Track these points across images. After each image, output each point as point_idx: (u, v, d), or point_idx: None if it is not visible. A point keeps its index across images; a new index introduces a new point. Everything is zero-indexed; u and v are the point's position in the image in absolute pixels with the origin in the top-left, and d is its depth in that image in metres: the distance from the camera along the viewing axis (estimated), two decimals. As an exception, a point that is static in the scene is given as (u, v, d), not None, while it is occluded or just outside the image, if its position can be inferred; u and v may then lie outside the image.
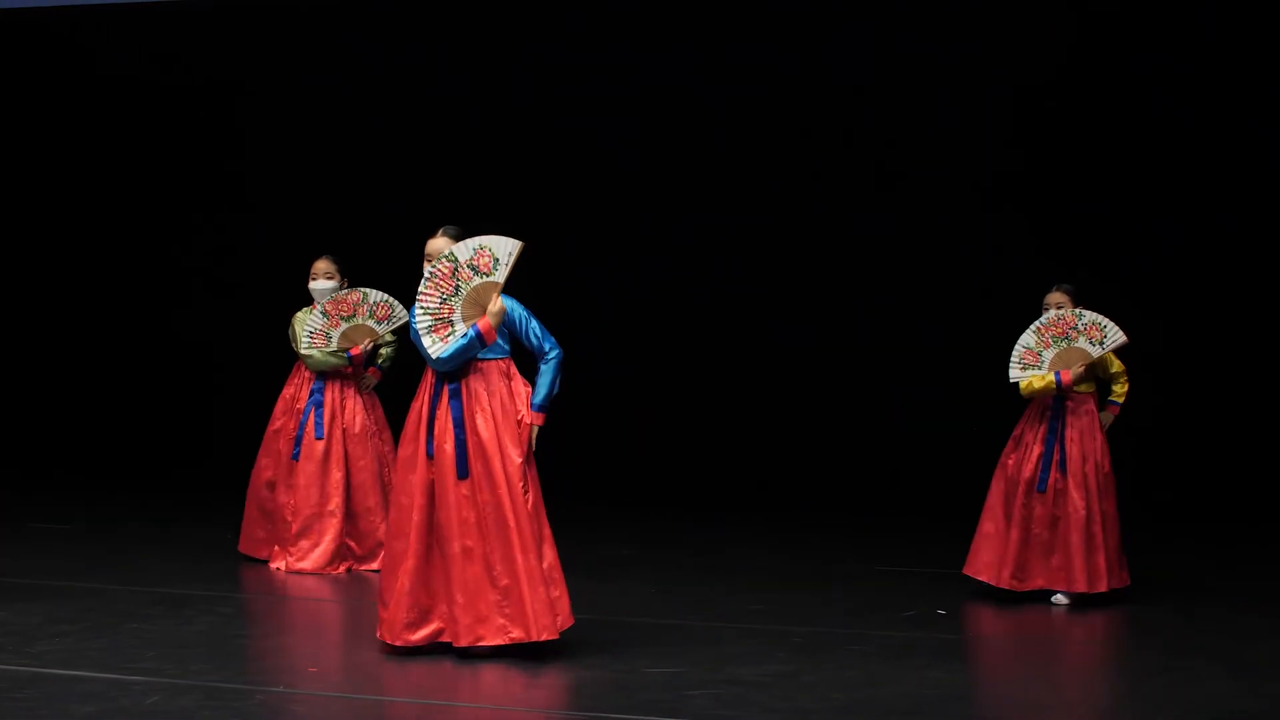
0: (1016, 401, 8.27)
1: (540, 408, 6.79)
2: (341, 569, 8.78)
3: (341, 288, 8.93)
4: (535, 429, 6.78)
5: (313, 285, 8.96)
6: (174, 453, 12.45)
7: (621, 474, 11.28)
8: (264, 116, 12.34)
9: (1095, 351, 7.98)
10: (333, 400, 8.91)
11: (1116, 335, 7.97)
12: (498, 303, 6.73)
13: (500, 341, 6.83)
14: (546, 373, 6.83)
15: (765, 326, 11.43)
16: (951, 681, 6.45)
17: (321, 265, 8.98)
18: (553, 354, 6.85)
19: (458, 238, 6.87)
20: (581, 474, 10.33)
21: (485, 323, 6.71)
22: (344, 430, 8.88)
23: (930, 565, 8.96)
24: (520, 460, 6.72)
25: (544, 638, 6.67)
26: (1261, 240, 10.78)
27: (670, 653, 6.83)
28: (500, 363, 6.84)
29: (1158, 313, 10.53)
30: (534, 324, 6.87)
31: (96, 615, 7.48)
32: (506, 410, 6.76)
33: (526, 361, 6.93)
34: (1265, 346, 10.75)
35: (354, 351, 8.88)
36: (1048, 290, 8.20)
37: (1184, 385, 10.68)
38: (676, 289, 11.57)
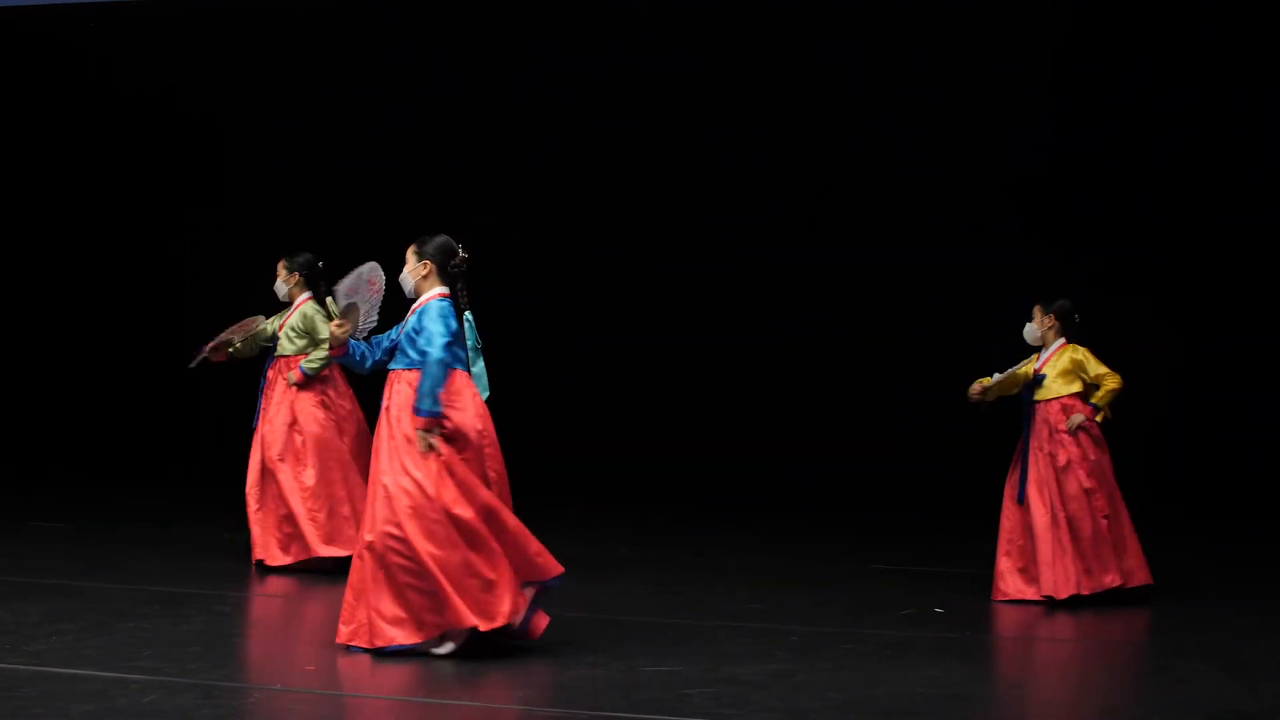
0: (1016, 404, 8.27)
1: (417, 411, 6.67)
2: (290, 556, 8.72)
3: (293, 286, 8.97)
4: (420, 432, 6.65)
5: (276, 287, 9.08)
6: (172, 453, 12.45)
7: (622, 474, 11.27)
8: (262, 117, 12.33)
9: (1020, 370, 8.10)
10: (266, 393, 8.97)
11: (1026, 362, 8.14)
12: (342, 324, 6.80)
13: (410, 352, 6.75)
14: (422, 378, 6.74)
15: (765, 327, 11.42)
16: (949, 680, 6.44)
17: (278, 267, 9.05)
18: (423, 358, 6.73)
19: (416, 251, 6.88)
20: (582, 474, 10.32)
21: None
22: (270, 422, 8.90)
23: (929, 565, 8.96)
24: (417, 472, 6.58)
25: (474, 626, 6.53)
26: (1261, 240, 10.77)
27: (668, 652, 6.83)
28: (407, 372, 6.78)
29: (1157, 313, 10.53)
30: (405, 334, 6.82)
31: (95, 614, 7.48)
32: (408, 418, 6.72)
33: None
34: (1265, 346, 10.73)
35: (204, 346, 9.04)
36: (1043, 298, 8.23)
37: (1184, 385, 10.66)
38: (677, 289, 11.56)
